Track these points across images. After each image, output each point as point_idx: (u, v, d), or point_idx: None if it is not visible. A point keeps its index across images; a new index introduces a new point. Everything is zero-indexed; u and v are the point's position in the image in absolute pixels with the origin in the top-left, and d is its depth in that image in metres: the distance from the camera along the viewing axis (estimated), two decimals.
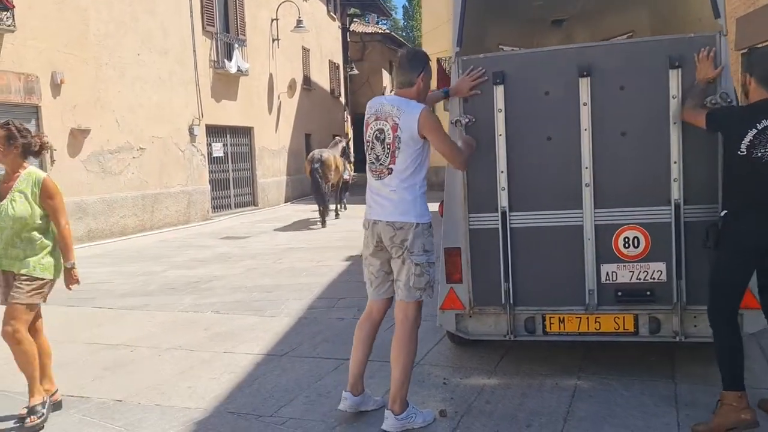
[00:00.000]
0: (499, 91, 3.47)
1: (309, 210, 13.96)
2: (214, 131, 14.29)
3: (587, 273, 3.45)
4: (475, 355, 4.13)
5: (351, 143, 14.00)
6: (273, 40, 17.11)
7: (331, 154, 12.34)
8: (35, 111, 9.71)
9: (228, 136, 14.91)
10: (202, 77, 13.61)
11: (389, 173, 3.06)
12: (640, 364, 3.79)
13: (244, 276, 7.42)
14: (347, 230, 11.22)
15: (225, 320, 5.44)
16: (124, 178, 11.44)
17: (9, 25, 9.04)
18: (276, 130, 17.30)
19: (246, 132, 15.71)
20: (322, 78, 21.60)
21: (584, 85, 3.37)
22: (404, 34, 48.85)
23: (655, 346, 3.81)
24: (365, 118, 3.20)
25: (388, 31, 32.35)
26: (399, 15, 54.99)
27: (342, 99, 24.39)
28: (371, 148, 3.13)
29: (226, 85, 14.57)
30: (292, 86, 18.21)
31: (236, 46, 14.78)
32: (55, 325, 5.50)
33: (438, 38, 18.01)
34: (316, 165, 11.68)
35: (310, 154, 12.37)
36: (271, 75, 16.90)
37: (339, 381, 3.80)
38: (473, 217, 3.60)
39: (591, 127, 3.38)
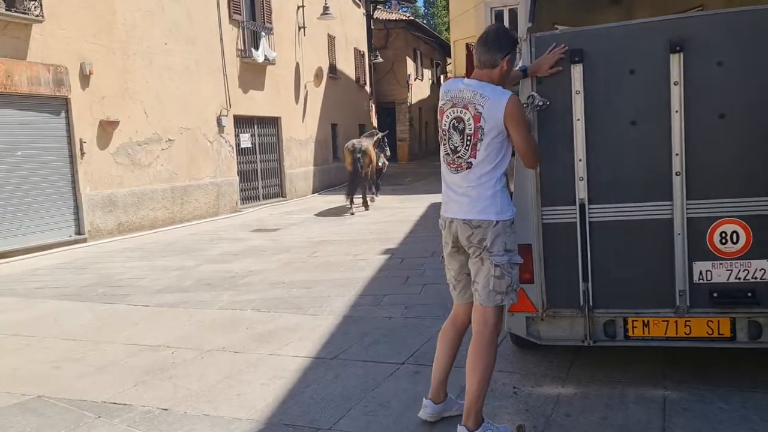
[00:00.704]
0: (576, 71, 3.12)
1: (338, 201, 13.68)
2: (242, 122, 14.07)
3: (677, 272, 3.10)
4: (543, 359, 3.81)
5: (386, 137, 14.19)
6: (299, 28, 16.80)
7: (369, 145, 12.51)
8: (65, 103, 9.55)
9: (256, 126, 14.68)
10: (229, 66, 13.36)
11: (468, 167, 2.75)
12: (733, 371, 3.43)
13: (280, 270, 7.17)
14: (379, 222, 10.94)
15: (267, 319, 5.19)
16: (153, 171, 11.28)
17: (37, 15, 8.87)
18: (303, 120, 17.03)
19: (273, 122, 15.47)
20: (347, 66, 21.24)
21: (676, 62, 3.00)
22: (425, 21, 48.14)
23: (745, 351, 3.44)
24: (439, 105, 2.89)
25: (411, 17, 31.77)
26: (420, 2, 54.31)
27: (367, 88, 24.01)
28: (448, 139, 2.82)
29: (253, 75, 14.32)
30: (318, 75, 17.90)
31: (263, 34, 14.49)
32: (90, 323, 5.33)
33: (465, 24, 17.55)
34: (359, 155, 11.86)
35: (350, 143, 12.42)
36: (297, 64, 16.61)
37: (398, 389, 3.52)
38: (547, 210, 3.26)
39: (683, 109, 3.01)
